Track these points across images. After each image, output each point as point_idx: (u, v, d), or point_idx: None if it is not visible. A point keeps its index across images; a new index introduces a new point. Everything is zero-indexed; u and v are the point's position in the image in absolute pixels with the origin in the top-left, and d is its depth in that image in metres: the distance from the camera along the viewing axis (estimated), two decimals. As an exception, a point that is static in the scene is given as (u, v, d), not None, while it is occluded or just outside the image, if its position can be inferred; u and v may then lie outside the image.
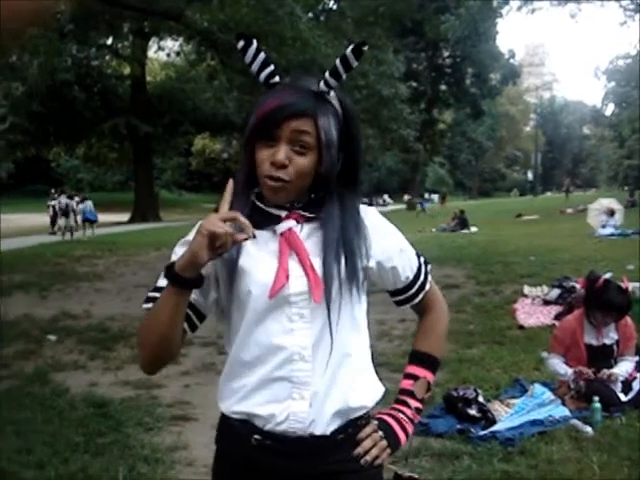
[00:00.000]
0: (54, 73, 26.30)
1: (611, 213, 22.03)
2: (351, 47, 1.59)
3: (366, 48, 1.60)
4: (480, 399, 5.05)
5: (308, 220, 1.64)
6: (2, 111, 30.76)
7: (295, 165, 1.56)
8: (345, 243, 1.62)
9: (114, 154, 45.79)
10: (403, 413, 1.75)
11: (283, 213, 1.63)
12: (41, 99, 31.09)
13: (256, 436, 1.61)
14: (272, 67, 1.64)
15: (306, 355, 1.59)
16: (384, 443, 1.69)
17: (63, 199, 27.74)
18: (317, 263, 1.59)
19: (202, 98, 35.27)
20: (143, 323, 1.61)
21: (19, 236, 25.63)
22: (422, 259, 1.83)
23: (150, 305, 1.61)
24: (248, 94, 19.78)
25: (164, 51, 35.70)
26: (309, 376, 1.59)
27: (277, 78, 1.64)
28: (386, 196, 63.11)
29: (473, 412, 4.92)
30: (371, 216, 1.72)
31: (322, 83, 1.61)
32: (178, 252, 1.61)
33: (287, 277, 1.58)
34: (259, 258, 1.62)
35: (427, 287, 1.81)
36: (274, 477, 1.64)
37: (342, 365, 1.62)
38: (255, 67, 1.63)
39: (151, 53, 39.78)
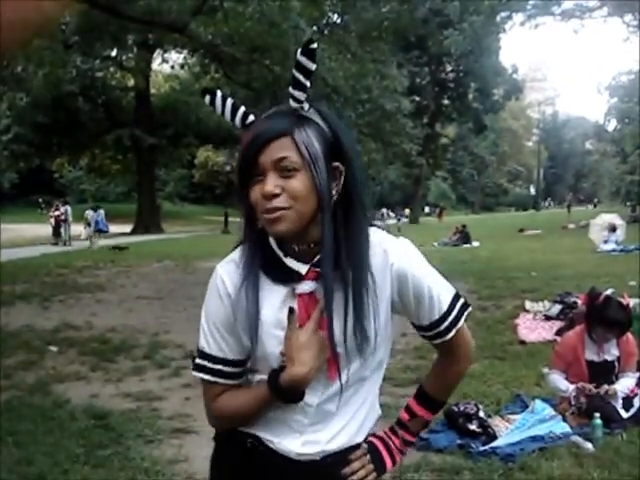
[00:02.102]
0: (58, 84, 26.34)
1: (613, 229, 22.01)
2: (300, 50, 1.50)
3: (315, 46, 1.50)
4: (481, 414, 5.05)
5: None
6: (6, 121, 30.94)
7: (288, 191, 1.48)
8: (357, 310, 1.55)
9: (117, 165, 45.98)
10: (393, 442, 1.78)
11: (303, 269, 1.57)
12: (45, 110, 31.26)
13: (250, 440, 1.66)
14: (243, 109, 1.60)
15: (308, 410, 1.62)
16: (371, 467, 1.72)
17: (89, 211, 28.26)
18: (333, 329, 1.55)
19: (206, 111, 35.21)
20: (227, 410, 1.68)
21: (21, 246, 25.68)
22: (459, 302, 1.74)
23: (208, 377, 1.67)
24: (252, 107, 19.86)
25: (168, 63, 35.83)
26: (305, 427, 1.64)
27: (252, 117, 1.60)
28: (384, 210, 61.17)
29: (474, 427, 4.91)
30: (390, 255, 1.60)
31: (291, 101, 1.53)
32: (210, 306, 1.66)
33: None
34: (279, 325, 1.58)
35: (448, 336, 1.73)
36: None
37: (343, 416, 1.66)
38: (227, 114, 1.60)
39: (155, 65, 39.94)
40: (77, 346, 8.28)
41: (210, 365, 1.66)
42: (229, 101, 1.60)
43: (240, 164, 1.53)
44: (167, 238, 32.98)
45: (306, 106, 1.54)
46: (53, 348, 8.16)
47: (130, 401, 6.02)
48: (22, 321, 9.80)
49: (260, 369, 1.64)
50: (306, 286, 1.57)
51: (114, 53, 33.76)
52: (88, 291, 13.32)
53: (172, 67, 36.06)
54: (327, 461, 1.65)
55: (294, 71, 1.51)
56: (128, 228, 38.66)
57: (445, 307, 1.69)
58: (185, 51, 28.46)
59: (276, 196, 1.48)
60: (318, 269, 1.56)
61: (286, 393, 1.56)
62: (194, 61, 29.75)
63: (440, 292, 1.68)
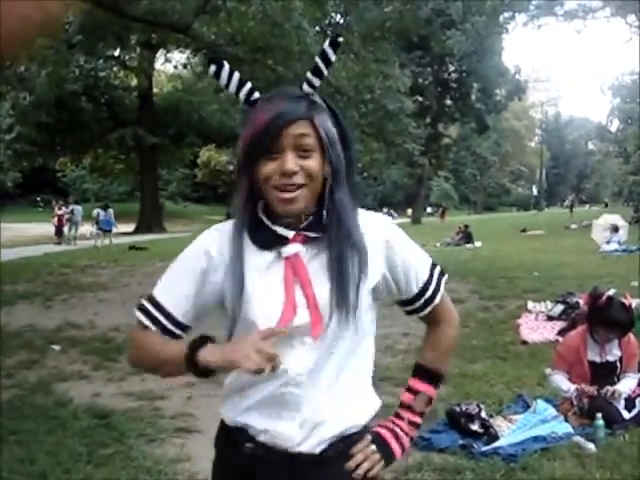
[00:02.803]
0: (62, 84, 26.36)
1: (615, 229, 22.01)
2: (328, 41, 1.61)
3: (341, 39, 1.63)
4: (483, 414, 5.05)
5: (313, 240, 1.63)
6: (9, 121, 30.92)
7: (305, 169, 1.57)
8: (343, 272, 1.59)
9: (120, 165, 45.95)
10: (399, 427, 1.77)
11: (290, 234, 1.62)
12: (48, 109, 31.22)
13: (248, 444, 1.66)
14: (249, 85, 1.65)
15: (300, 381, 1.62)
16: (377, 456, 1.71)
17: (97, 209, 28.62)
18: (318, 290, 1.60)
19: (208, 110, 35.35)
20: (143, 350, 1.74)
21: (24, 245, 25.70)
22: (437, 270, 1.80)
23: (145, 321, 1.72)
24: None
25: (171, 63, 35.84)
26: (300, 400, 1.62)
27: (257, 94, 1.65)
28: (385, 210, 60.13)
29: (476, 427, 4.91)
30: (376, 228, 1.69)
31: (305, 85, 1.62)
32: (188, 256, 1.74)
33: (295, 311, 1.59)
34: (265, 286, 1.62)
35: (436, 301, 1.79)
36: None
37: (337, 390, 1.65)
38: (232, 88, 1.65)
39: (158, 65, 39.90)
40: (79, 345, 8.29)
41: (153, 311, 1.70)
42: (236, 75, 1.65)
43: (257, 138, 1.57)
44: (170, 237, 32.96)
45: (315, 93, 1.65)
46: (55, 347, 8.17)
47: (132, 400, 6.03)
48: (24, 320, 9.81)
49: (245, 330, 1.63)
50: (292, 248, 1.62)
51: (117, 53, 33.77)
52: (91, 290, 13.33)
53: (175, 67, 36.05)
54: (328, 454, 1.65)
55: (317, 58, 1.62)
56: (131, 227, 38.65)
57: (427, 273, 1.78)
58: (188, 51, 28.40)
59: (295, 174, 1.56)
60: (305, 233, 1.62)
61: (194, 367, 1.56)
62: (197, 61, 29.71)
63: (422, 261, 1.78)
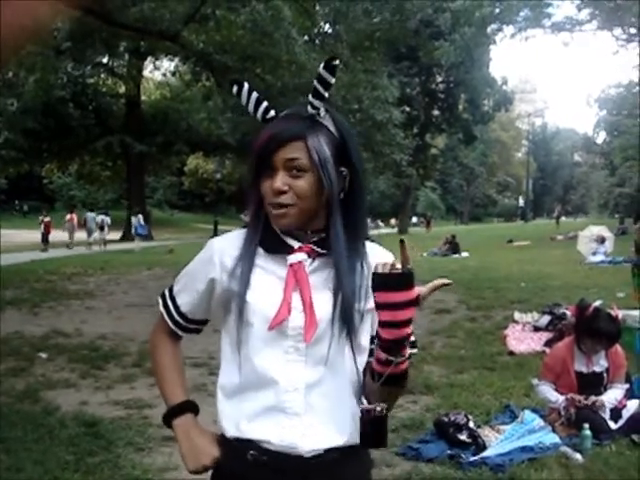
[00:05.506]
0: (49, 90, 26.28)
1: (601, 240, 22.10)
2: (322, 65, 1.64)
3: (337, 62, 1.65)
4: (471, 425, 5.07)
5: (319, 255, 1.67)
6: (-4, 127, 30.80)
7: (294, 189, 1.61)
8: (346, 285, 1.63)
9: (107, 172, 45.84)
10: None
11: (296, 244, 1.68)
12: (35, 116, 31.12)
13: (252, 452, 1.65)
14: (266, 103, 1.72)
15: (299, 387, 1.63)
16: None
17: (100, 216, 30.59)
18: (318, 300, 1.63)
19: (196, 118, 35.25)
20: (152, 360, 1.96)
21: (10, 252, 25.55)
22: None
23: (162, 308, 1.88)
24: (242, 115, 19.93)
25: (160, 71, 35.91)
26: (301, 408, 1.63)
27: (272, 112, 1.72)
28: (368, 220, 59.55)
29: (464, 437, 4.93)
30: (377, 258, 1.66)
31: (309, 106, 1.66)
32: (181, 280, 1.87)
33: (289, 311, 1.62)
34: (264, 287, 1.67)
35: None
36: None
37: (337, 398, 1.66)
38: (251, 106, 1.73)
39: (146, 72, 39.93)
40: (67, 353, 8.27)
41: (169, 300, 1.87)
42: (254, 94, 1.73)
43: (255, 159, 1.66)
44: (157, 245, 32.89)
45: (322, 112, 1.68)
46: (43, 355, 8.14)
47: (120, 409, 6.02)
48: (12, 327, 9.77)
49: (244, 330, 1.68)
50: (297, 257, 1.67)
51: (106, 60, 33.79)
52: (78, 298, 13.28)
53: (163, 74, 36.14)
54: (333, 457, 1.64)
55: (315, 82, 1.64)
56: (117, 235, 38.52)
57: None
58: (177, 59, 28.44)
59: (283, 193, 1.62)
60: (311, 246, 1.67)
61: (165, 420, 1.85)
62: (185, 69, 29.74)
63: None
